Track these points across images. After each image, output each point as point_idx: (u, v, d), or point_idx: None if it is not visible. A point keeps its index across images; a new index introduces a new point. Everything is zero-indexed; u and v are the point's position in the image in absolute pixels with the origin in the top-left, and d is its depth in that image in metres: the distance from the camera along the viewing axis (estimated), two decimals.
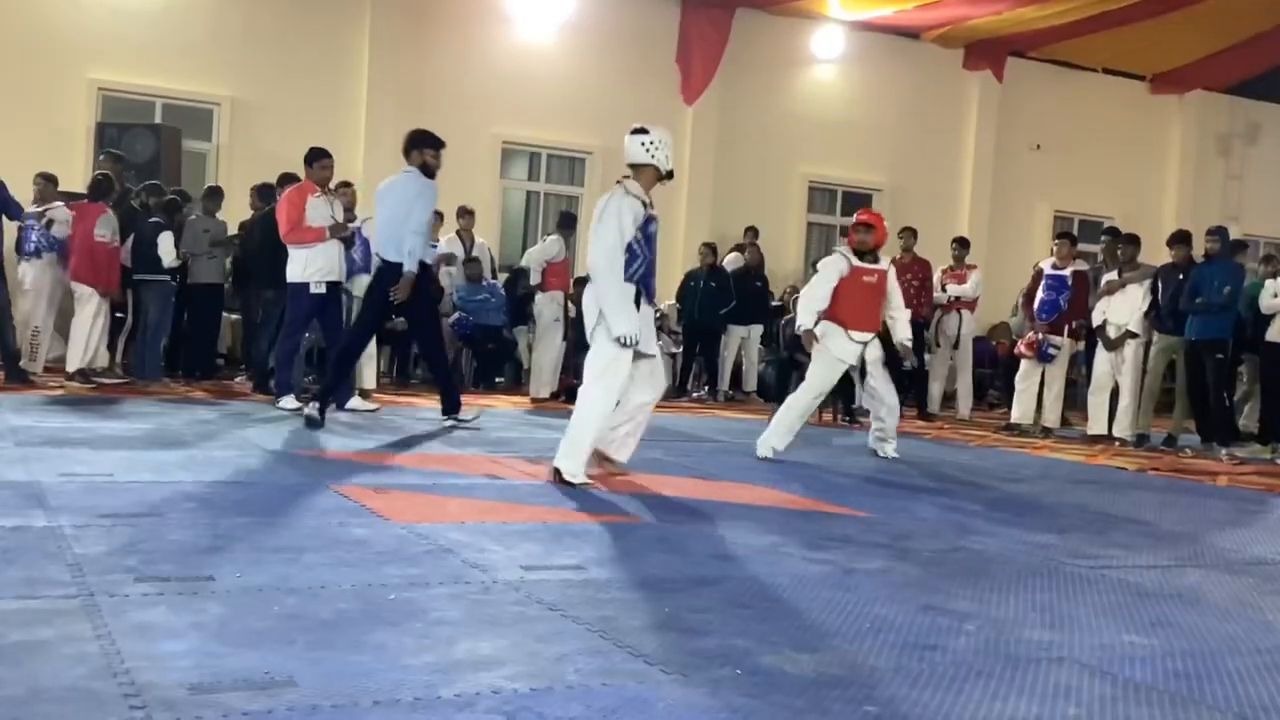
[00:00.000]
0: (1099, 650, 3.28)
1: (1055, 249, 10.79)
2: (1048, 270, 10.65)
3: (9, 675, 2.50)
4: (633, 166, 6.14)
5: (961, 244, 12.10)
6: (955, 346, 11.88)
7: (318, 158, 8.77)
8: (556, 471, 5.75)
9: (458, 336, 12.10)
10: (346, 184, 9.85)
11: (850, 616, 3.48)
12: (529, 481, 5.86)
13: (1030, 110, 16.90)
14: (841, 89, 16.07)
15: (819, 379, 7.72)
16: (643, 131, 6.15)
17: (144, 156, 11.53)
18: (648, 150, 6.10)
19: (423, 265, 8.02)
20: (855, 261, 7.63)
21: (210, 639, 2.86)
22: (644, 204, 6.01)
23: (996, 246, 15.72)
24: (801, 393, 7.75)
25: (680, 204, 14.96)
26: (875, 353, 7.68)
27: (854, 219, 8.00)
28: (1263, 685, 3.04)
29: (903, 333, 7.88)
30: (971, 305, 11.94)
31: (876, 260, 7.75)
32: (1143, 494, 7.12)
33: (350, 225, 9.01)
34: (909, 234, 11.85)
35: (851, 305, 7.56)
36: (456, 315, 11.98)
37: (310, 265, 8.56)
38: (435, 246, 12.21)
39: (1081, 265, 10.93)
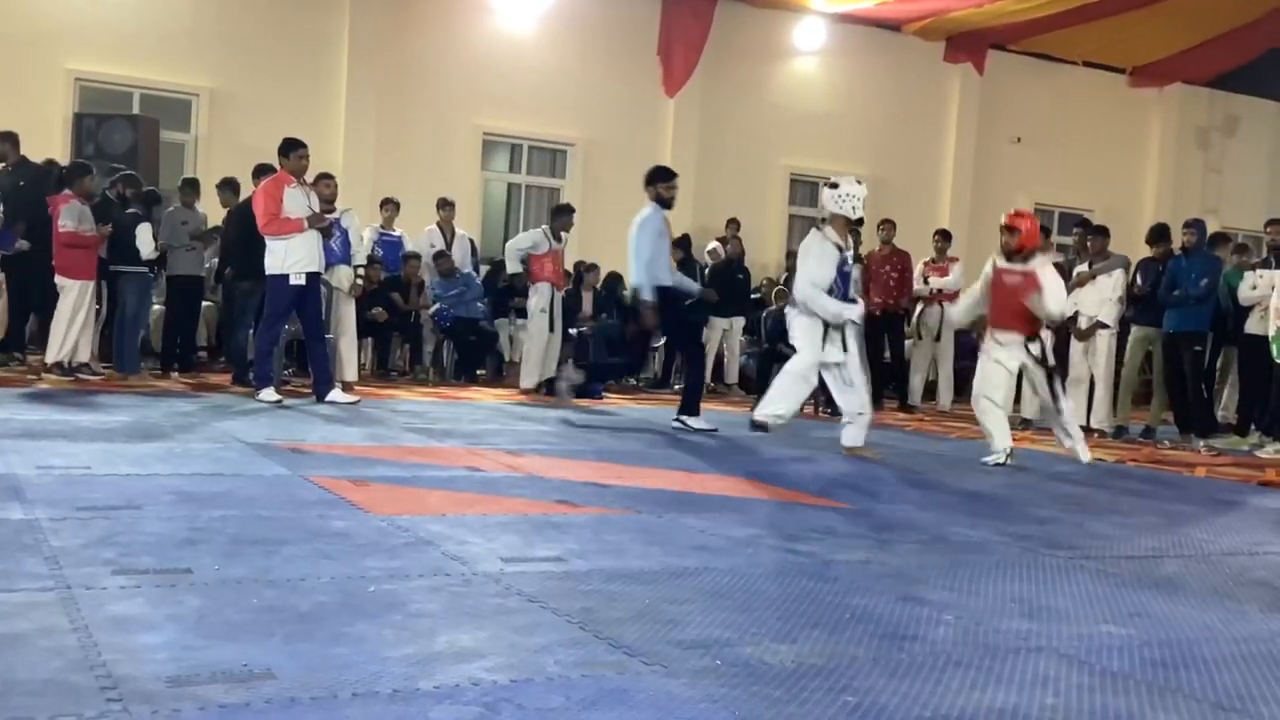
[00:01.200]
0: (1077, 640, 3.30)
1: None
2: (1002, 265, 10.67)
3: None
4: (830, 215, 7.43)
5: (944, 236, 12.15)
6: (936, 339, 11.92)
7: (293, 148, 8.71)
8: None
9: (438, 329, 12.09)
10: (328, 175, 9.80)
11: (830, 607, 3.49)
12: (509, 474, 5.85)
13: (1011, 103, 16.96)
14: (823, 81, 16.09)
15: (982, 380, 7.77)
16: (834, 186, 7.41)
17: (122, 147, 11.45)
18: (838, 202, 7.32)
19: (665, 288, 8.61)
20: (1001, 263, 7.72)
21: (188, 631, 2.84)
22: (838, 249, 7.32)
23: (977, 239, 15.74)
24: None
25: None
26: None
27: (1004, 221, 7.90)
28: (1239, 674, 3.06)
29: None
30: (953, 297, 11.94)
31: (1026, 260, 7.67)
32: (1120, 485, 7.15)
33: (328, 216, 8.96)
34: (888, 226, 11.92)
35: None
36: (435, 308, 11.96)
37: (289, 256, 8.52)
38: (382, 238, 12.20)
39: (1056, 257, 10.97)
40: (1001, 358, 7.59)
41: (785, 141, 15.76)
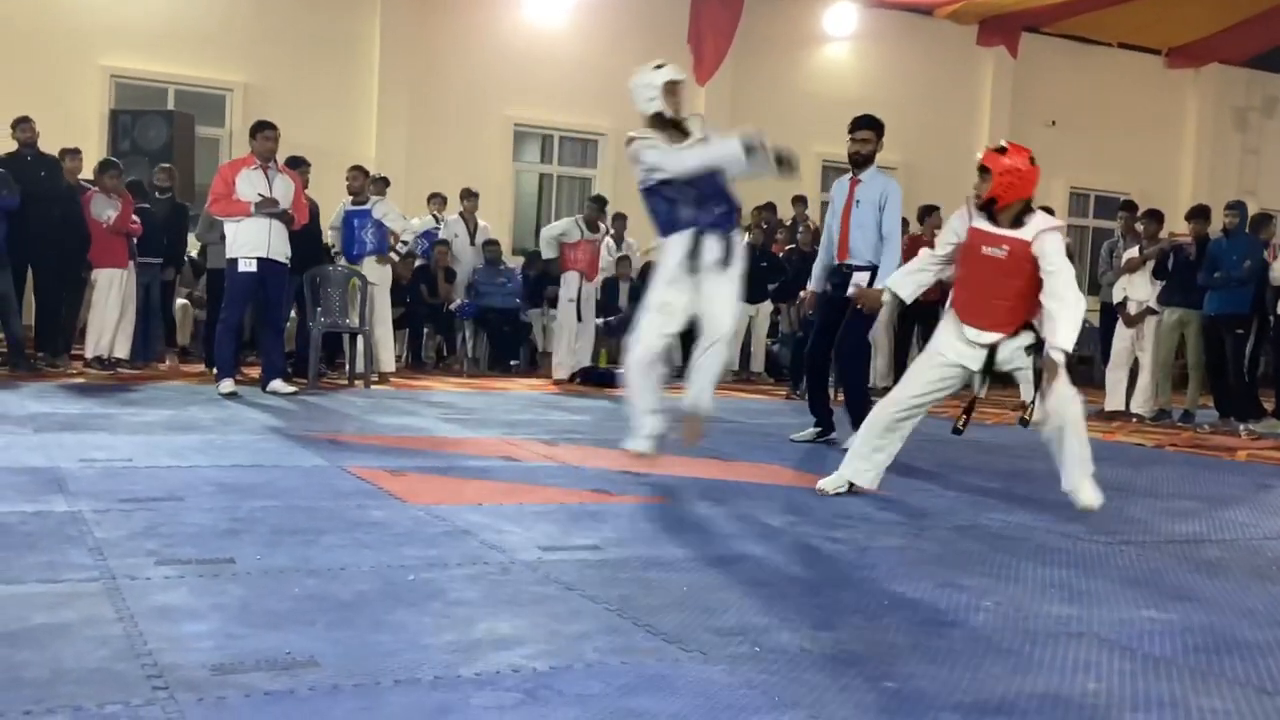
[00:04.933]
0: (1118, 625, 3.27)
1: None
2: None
3: (33, 658, 2.52)
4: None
5: None
6: None
7: (260, 129, 8.58)
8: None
9: (464, 319, 12.14)
10: (301, 160, 9.68)
11: (868, 594, 3.48)
12: (545, 463, 5.87)
13: (1045, 86, 16.80)
14: (855, 67, 15.99)
15: None
16: None
17: (157, 143, 11.57)
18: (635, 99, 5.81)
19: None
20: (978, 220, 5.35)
21: (231, 620, 2.87)
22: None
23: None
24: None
25: None
26: None
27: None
28: (1278, 658, 3.03)
29: None
30: None
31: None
32: (1161, 470, 7.09)
33: (281, 204, 8.51)
34: (931, 213, 11.96)
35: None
36: (457, 302, 12.03)
37: (238, 240, 8.40)
38: (429, 232, 12.24)
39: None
40: (954, 355, 5.15)
41: (818, 128, 15.64)
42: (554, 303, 11.75)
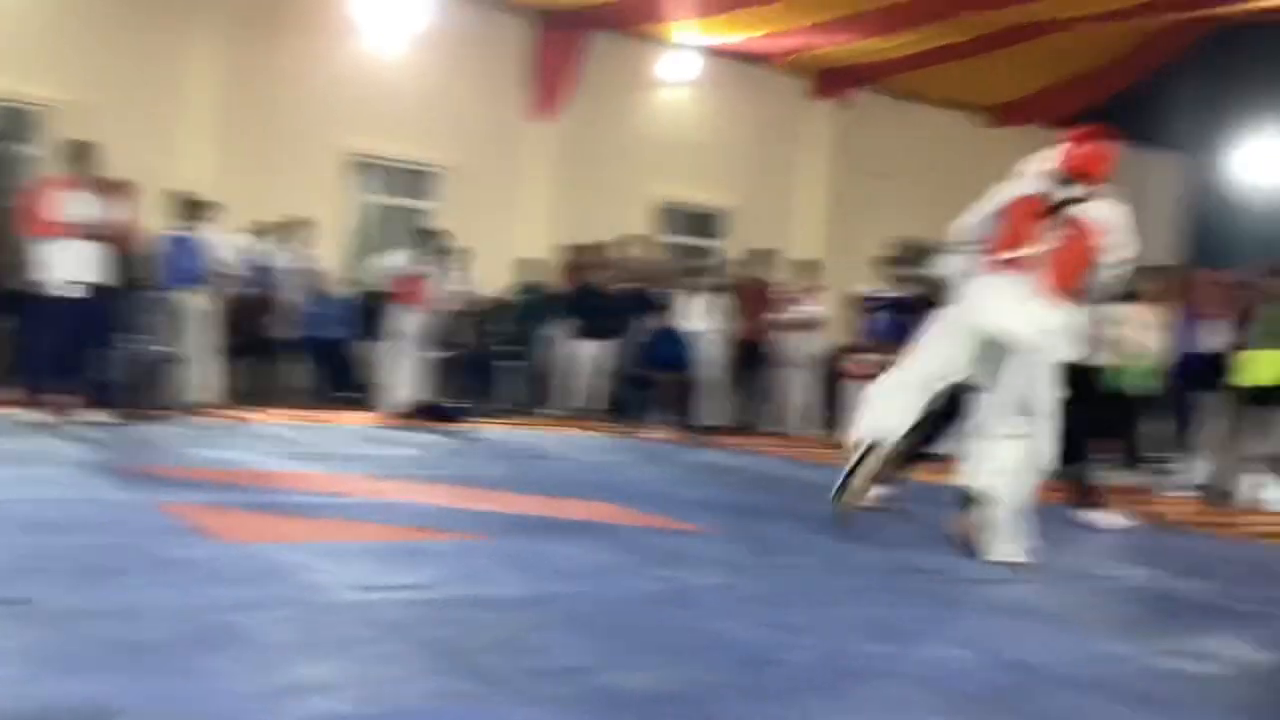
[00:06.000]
0: (930, 663, 3.37)
1: (880, 273, 11.10)
2: (868, 293, 11.06)
3: None
4: None
5: (807, 266, 12.40)
6: (800, 367, 12.15)
7: (81, 148, 8.30)
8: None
9: (296, 351, 11.84)
10: (123, 182, 9.31)
11: (691, 633, 3.50)
12: (372, 499, 5.75)
13: (874, 140, 17.39)
14: (693, 112, 16.28)
15: None
16: None
17: None
18: None
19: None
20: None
21: (29, 664, 2.71)
22: None
23: (838, 271, 16.05)
24: None
25: (532, 218, 14.96)
26: None
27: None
28: (1077, 694, 3.16)
29: None
30: (816, 326, 12.24)
31: None
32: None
33: (102, 226, 8.20)
34: (762, 256, 12.26)
35: None
36: (286, 330, 11.73)
37: (50, 264, 8.08)
38: (258, 260, 11.94)
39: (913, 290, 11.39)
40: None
41: (655, 170, 15.89)
42: (388, 334, 11.55)
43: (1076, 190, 4.71)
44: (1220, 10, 14.67)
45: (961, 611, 4.14)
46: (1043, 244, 4.63)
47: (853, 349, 11.66)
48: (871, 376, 10.77)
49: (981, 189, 4.86)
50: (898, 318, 10.92)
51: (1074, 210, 4.71)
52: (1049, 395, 4.74)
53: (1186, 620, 4.32)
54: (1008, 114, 18.34)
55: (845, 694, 2.98)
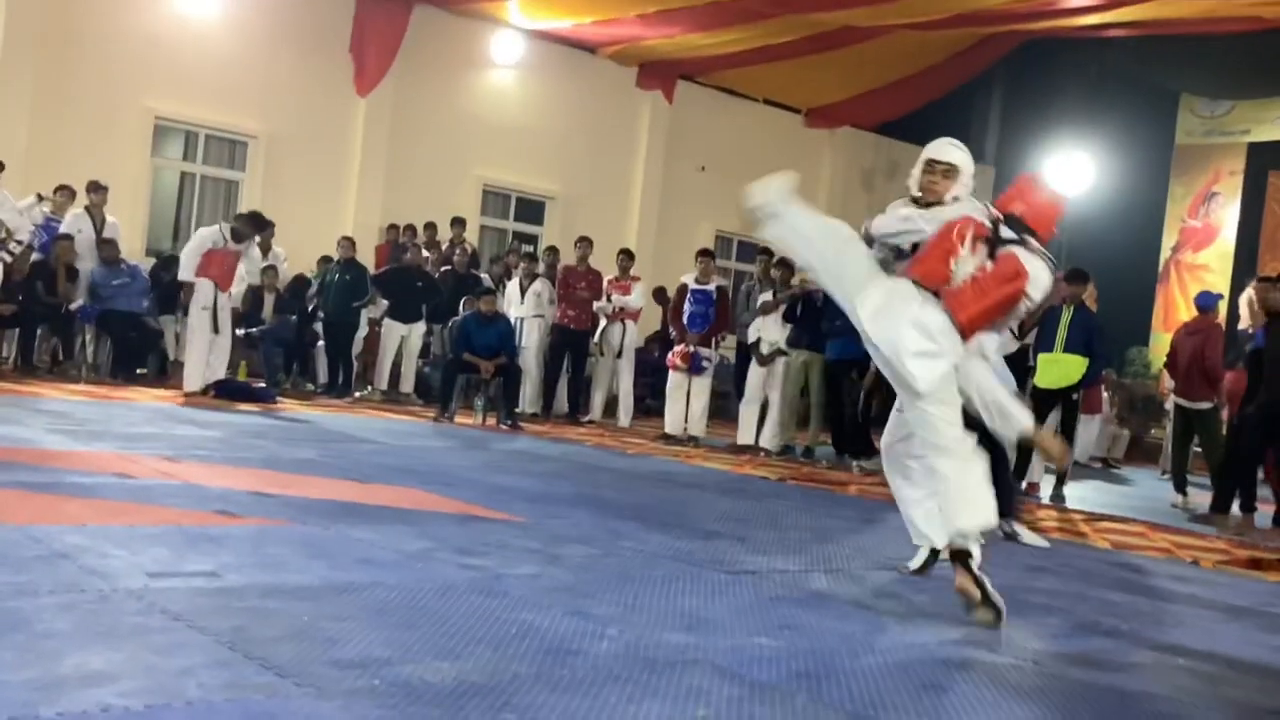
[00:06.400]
0: (731, 652, 3.41)
1: (699, 265, 11.34)
2: (693, 286, 11.22)
3: None
4: None
5: (627, 256, 12.46)
6: (619, 356, 12.20)
7: None
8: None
9: (85, 322, 11.24)
10: None
11: (497, 623, 3.46)
12: (164, 481, 5.48)
13: (697, 132, 17.62)
14: (519, 95, 16.15)
15: None
16: None
17: None
18: None
19: None
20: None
21: None
22: None
23: (661, 261, 16.24)
24: None
25: (350, 195, 14.59)
26: None
27: None
28: (877, 684, 3.25)
29: None
30: (635, 316, 12.32)
31: None
32: (781, 502, 7.53)
33: None
34: (585, 243, 12.24)
35: None
36: (79, 303, 11.13)
37: None
38: (49, 224, 11.32)
39: (722, 281, 11.61)
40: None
41: (479, 152, 15.70)
42: (187, 310, 11.07)
43: (1020, 234, 4.52)
44: (1028, 26, 15.40)
45: (765, 602, 4.21)
46: (967, 269, 4.44)
47: (667, 338, 11.82)
48: (683, 368, 11.00)
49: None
50: (708, 309, 11.14)
51: (1010, 249, 4.51)
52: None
53: None
54: (825, 115, 18.86)
55: (646, 684, 2.99)
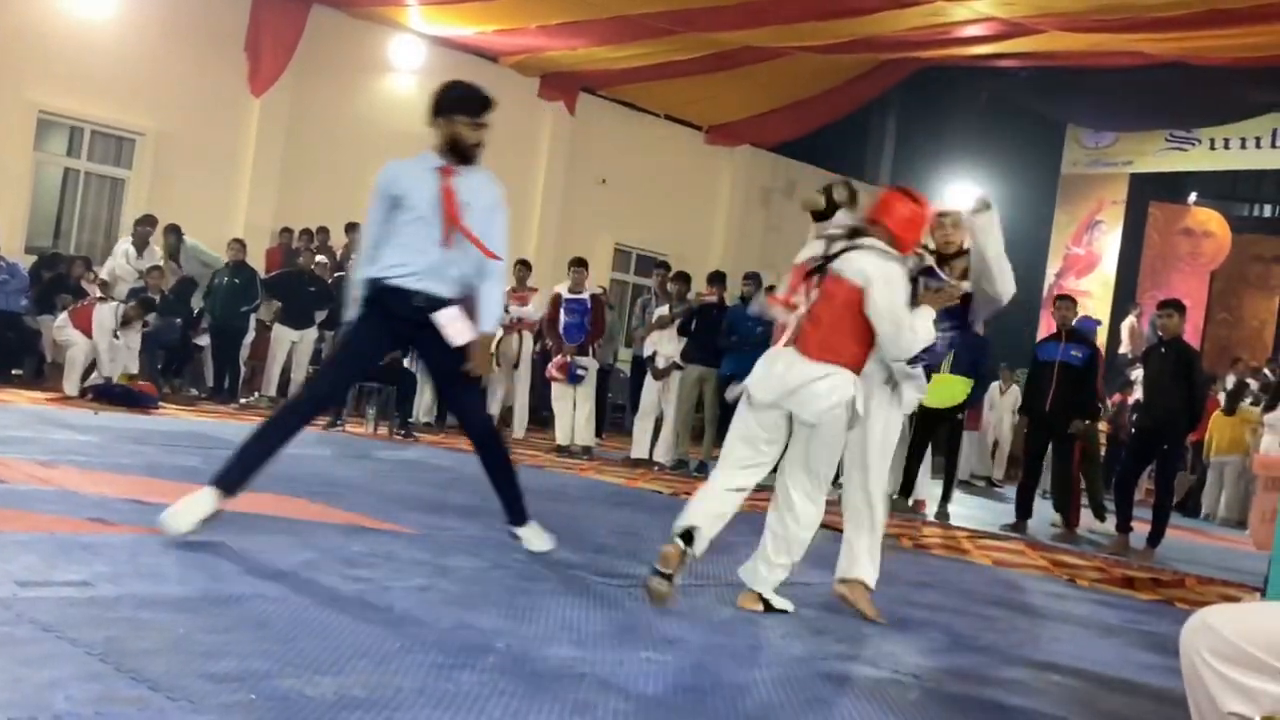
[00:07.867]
0: (617, 666, 3.41)
1: (572, 275, 11.35)
2: (566, 296, 11.22)
3: None
4: None
5: (525, 266, 12.41)
6: (515, 367, 12.13)
7: None
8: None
9: None
10: None
11: (381, 636, 3.40)
12: (36, 487, 5.29)
13: (598, 145, 17.64)
14: (418, 101, 15.73)
15: None
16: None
17: None
18: None
19: None
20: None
21: None
22: None
23: (560, 272, 16.16)
24: None
25: (241, 197, 14.28)
26: None
27: None
28: (756, 697, 3.28)
29: None
30: (532, 327, 12.27)
31: None
32: (674, 516, 7.52)
33: None
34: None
35: None
36: None
37: None
38: None
39: (597, 289, 11.68)
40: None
41: (377, 157, 15.38)
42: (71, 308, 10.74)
43: (864, 240, 4.57)
44: (923, 54, 15.76)
45: (654, 616, 4.22)
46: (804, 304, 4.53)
47: (547, 350, 11.80)
48: (561, 378, 11.00)
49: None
50: (583, 318, 11.18)
51: (838, 266, 4.56)
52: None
53: (866, 626, 4.57)
54: (725, 133, 19.05)
55: (532, 697, 2.96)
